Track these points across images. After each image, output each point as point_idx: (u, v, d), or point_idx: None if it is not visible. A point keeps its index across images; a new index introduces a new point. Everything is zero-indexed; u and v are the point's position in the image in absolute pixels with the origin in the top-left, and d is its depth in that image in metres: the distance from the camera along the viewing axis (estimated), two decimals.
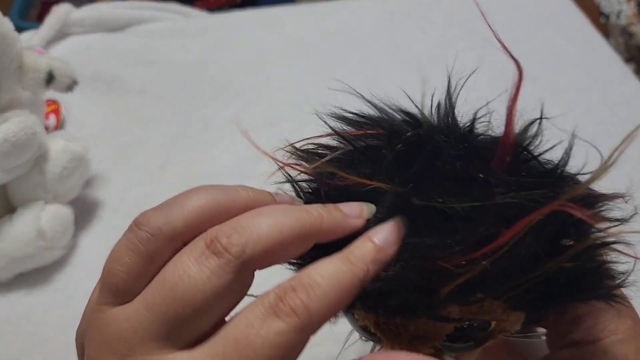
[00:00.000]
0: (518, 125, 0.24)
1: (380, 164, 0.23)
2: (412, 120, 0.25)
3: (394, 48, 0.81)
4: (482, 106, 0.26)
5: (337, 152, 0.25)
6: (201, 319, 0.20)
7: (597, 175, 0.23)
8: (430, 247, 0.21)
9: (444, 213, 0.22)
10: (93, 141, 0.66)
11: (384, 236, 0.22)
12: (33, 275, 0.54)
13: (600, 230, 0.23)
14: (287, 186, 0.27)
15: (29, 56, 0.53)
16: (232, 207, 0.22)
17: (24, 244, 0.51)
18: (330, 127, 0.26)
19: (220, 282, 0.20)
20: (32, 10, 1.14)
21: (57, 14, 0.82)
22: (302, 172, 0.26)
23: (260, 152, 0.26)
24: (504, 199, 0.21)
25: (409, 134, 0.23)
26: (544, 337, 0.28)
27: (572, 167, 0.24)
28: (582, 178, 0.24)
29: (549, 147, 0.25)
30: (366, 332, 0.26)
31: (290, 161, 0.26)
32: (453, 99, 0.25)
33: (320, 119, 0.26)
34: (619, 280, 0.24)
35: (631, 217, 0.23)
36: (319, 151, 0.26)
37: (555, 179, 0.23)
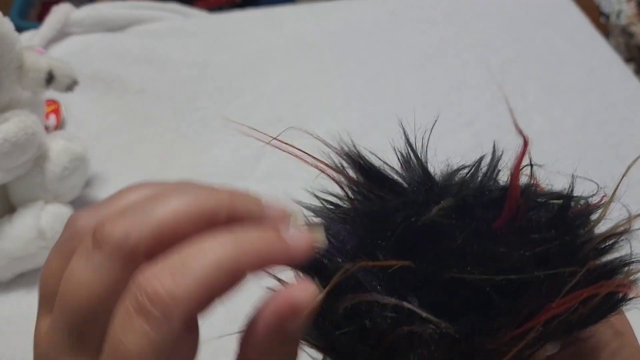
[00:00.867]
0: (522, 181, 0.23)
1: (389, 238, 0.22)
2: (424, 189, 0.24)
3: (394, 48, 0.81)
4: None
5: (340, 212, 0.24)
6: (100, 321, 0.18)
7: (600, 218, 0.23)
8: (475, 332, 0.21)
9: (475, 290, 0.21)
10: (93, 141, 0.66)
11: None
12: (33, 275, 0.54)
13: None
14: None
15: (29, 56, 0.53)
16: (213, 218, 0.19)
17: (24, 244, 0.51)
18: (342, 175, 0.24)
19: (106, 277, 0.17)
20: (32, 10, 1.14)
21: (57, 14, 0.82)
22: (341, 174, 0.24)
23: (295, 156, 0.24)
24: (535, 275, 0.21)
25: (424, 218, 0.21)
26: (557, 349, 0.28)
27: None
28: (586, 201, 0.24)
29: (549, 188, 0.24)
30: None
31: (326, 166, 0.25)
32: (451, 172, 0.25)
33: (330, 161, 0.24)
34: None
35: None
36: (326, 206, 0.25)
37: (565, 226, 0.23)
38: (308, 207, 0.24)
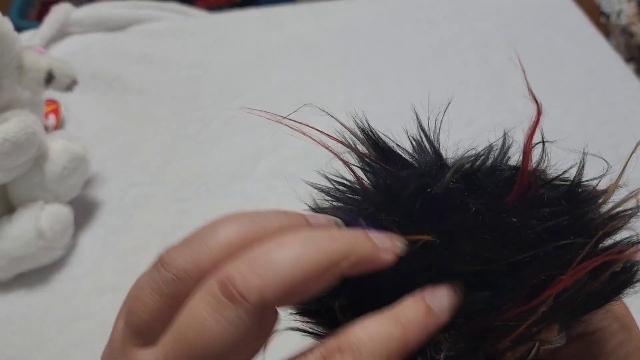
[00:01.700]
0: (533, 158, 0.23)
1: (408, 213, 0.22)
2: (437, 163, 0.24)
3: (394, 48, 0.81)
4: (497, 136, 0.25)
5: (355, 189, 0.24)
6: None
7: (609, 194, 0.23)
8: (484, 309, 0.21)
9: (484, 267, 0.21)
10: (93, 141, 0.66)
11: (440, 301, 0.20)
12: (33, 275, 0.54)
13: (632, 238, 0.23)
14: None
15: (29, 56, 0.53)
16: (264, 239, 0.20)
17: (24, 244, 0.51)
18: (359, 157, 0.24)
19: (238, 332, 0.19)
20: (32, 10, 1.14)
21: (57, 14, 0.82)
22: (361, 155, 0.24)
23: (317, 143, 0.24)
24: (545, 249, 0.21)
25: (435, 188, 0.22)
26: (564, 341, 0.28)
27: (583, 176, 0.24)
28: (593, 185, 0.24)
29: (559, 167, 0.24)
30: None
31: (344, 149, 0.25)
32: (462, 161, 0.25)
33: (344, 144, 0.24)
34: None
35: None
36: (343, 184, 0.25)
37: (575, 202, 0.23)
38: (320, 189, 0.25)
